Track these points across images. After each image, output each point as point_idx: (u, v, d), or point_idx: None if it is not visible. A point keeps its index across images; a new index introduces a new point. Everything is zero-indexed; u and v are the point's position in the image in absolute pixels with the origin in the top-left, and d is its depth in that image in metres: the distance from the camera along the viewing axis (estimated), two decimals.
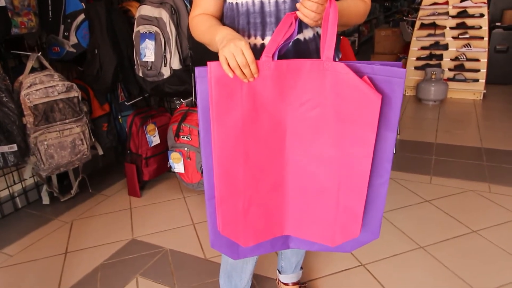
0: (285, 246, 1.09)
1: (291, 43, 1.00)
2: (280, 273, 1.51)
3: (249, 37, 1.02)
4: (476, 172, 2.50)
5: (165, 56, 1.91)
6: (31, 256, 1.86)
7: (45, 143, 1.97)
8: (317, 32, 1.02)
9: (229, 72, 0.84)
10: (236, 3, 1.01)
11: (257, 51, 1.00)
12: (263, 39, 1.01)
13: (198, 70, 0.89)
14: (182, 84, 1.99)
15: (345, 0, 0.99)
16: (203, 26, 1.01)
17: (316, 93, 0.90)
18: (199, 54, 1.90)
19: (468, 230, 1.91)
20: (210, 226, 1.01)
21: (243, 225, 0.98)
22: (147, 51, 1.91)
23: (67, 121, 2.03)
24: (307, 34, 1.01)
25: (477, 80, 4.05)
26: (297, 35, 0.99)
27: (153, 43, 1.89)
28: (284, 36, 0.88)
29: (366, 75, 0.86)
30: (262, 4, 0.98)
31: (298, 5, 0.86)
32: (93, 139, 2.19)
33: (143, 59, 1.93)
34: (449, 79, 4.14)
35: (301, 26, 0.99)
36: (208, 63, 0.86)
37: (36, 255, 1.87)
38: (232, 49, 0.84)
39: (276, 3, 0.97)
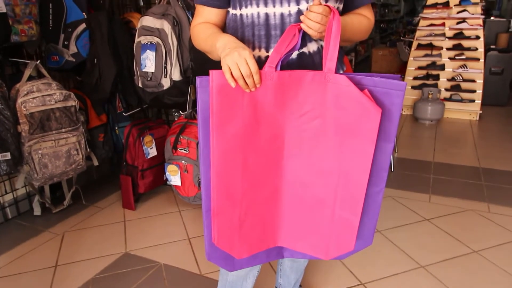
0: (279, 256, 1.08)
1: (296, 56, 0.99)
2: None
3: (253, 49, 1.01)
4: (475, 191, 2.49)
5: (165, 67, 1.89)
6: (19, 268, 1.80)
7: (40, 152, 1.92)
8: (321, 45, 1.02)
9: (232, 82, 0.83)
10: (241, 14, 1.00)
11: (262, 63, 0.98)
12: (267, 52, 1.00)
13: (199, 80, 0.87)
14: (182, 96, 1.97)
15: (349, 16, 0.99)
16: (204, 34, 1.00)
17: (317, 104, 0.89)
18: (200, 65, 1.89)
19: (469, 250, 1.88)
20: (206, 238, 0.99)
21: (238, 237, 0.96)
22: (148, 62, 1.90)
23: (63, 130, 1.99)
24: (312, 47, 1.00)
25: (473, 101, 4.09)
26: (301, 48, 0.99)
27: (154, 53, 1.88)
28: (288, 47, 0.88)
29: (367, 87, 0.86)
30: (267, 16, 0.97)
31: (302, 17, 0.86)
32: (88, 150, 2.15)
33: (143, 70, 1.92)
34: (445, 99, 4.17)
35: (305, 39, 0.99)
36: (210, 71, 0.84)
37: (25, 267, 1.80)
38: (236, 58, 0.82)
39: (282, 16, 0.96)
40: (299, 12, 0.95)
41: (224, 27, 1.08)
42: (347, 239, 0.96)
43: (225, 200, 0.93)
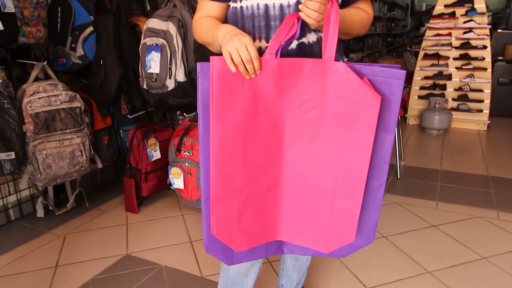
0: (279, 251, 1.05)
1: (295, 46, 1.00)
2: None
3: (254, 40, 1.02)
4: (484, 199, 2.44)
5: (170, 68, 1.90)
6: (19, 268, 1.78)
7: (44, 152, 1.93)
8: (320, 36, 1.02)
9: (232, 67, 0.83)
10: (241, 6, 1.01)
11: (262, 54, 0.99)
12: (267, 42, 1.01)
13: (200, 66, 0.87)
14: (186, 97, 1.97)
15: (348, 9, 0.99)
16: (206, 26, 1.01)
17: (317, 93, 0.89)
18: None
19: (478, 256, 1.82)
20: (205, 230, 0.97)
21: (237, 229, 0.94)
22: (153, 63, 1.91)
23: (68, 131, 2.00)
24: (311, 38, 1.01)
25: (481, 111, 4.05)
26: (301, 38, 1.00)
27: (159, 55, 1.89)
28: (287, 36, 0.88)
29: (366, 76, 0.85)
30: (266, 7, 0.98)
31: (300, 5, 0.86)
32: (92, 151, 2.15)
33: (148, 71, 1.93)
34: (452, 109, 4.13)
35: (305, 30, 0.99)
36: (211, 57, 0.85)
37: (25, 267, 1.78)
38: (236, 44, 0.83)
39: (281, 7, 0.97)
40: (298, 3, 0.95)
41: (225, 21, 1.08)
42: (348, 230, 0.93)
43: (224, 189, 0.91)
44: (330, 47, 0.86)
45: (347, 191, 0.91)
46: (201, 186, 0.95)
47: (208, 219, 0.96)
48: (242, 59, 0.82)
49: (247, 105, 0.88)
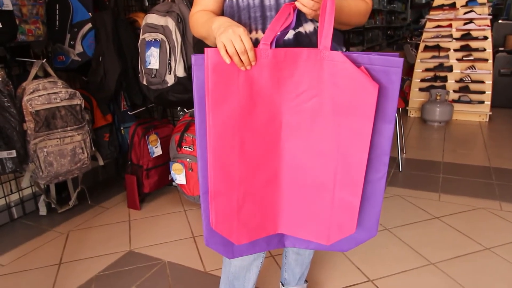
0: (280, 244, 1.05)
1: (292, 36, 0.99)
2: (283, 286, 1.43)
3: (250, 31, 1.01)
4: (486, 190, 2.43)
5: (169, 64, 1.90)
6: (23, 266, 1.79)
7: (45, 150, 1.93)
8: (317, 26, 1.01)
9: (227, 58, 0.82)
10: None
11: (258, 45, 0.98)
12: (264, 33, 0.99)
13: (194, 58, 0.86)
14: (186, 93, 1.97)
15: None
16: (202, 20, 1.01)
17: (313, 83, 0.88)
18: None
19: (481, 247, 1.82)
20: (204, 223, 0.97)
21: (236, 222, 0.94)
22: (152, 59, 1.90)
23: (69, 128, 2.00)
24: (308, 27, 1.00)
25: (482, 102, 4.03)
26: (297, 28, 0.99)
27: (158, 50, 1.88)
28: (282, 26, 0.87)
29: (363, 65, 0.84)
30: None
31: None
32: (93, 149, 2.15)
33: (148, 67, 1.92)
34: (454, 101, 4.12)
35: (301, 19, 0.99)
36: (205, 49, 0.84)
37: (29, 265, 1.79)
38: (230, 35, 0.82)
39: None
40: None
41: (221, 15, 1.08)
42: (348, 222, 0.93)
43: (222, 182, 0.91)
44: (325, 36, 0.85)
45: (347, 182, 0.90)
46: (199, 179, 0.95)
47: (207, 212, 0.96)
48: (236, 50, 0.82)
49: (243, 97, 0.87)
